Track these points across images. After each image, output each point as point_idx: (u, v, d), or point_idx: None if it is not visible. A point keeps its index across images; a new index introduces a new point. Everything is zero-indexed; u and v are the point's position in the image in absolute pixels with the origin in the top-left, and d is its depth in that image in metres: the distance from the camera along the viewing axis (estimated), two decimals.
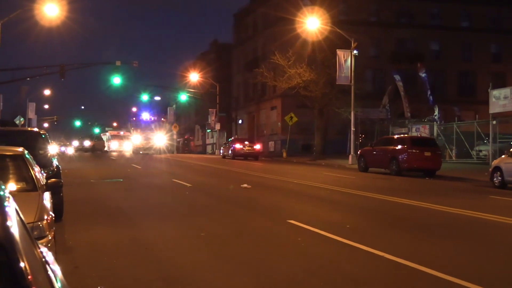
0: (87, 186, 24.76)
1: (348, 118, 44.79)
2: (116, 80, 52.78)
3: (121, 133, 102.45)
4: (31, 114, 71.17)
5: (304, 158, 52.46)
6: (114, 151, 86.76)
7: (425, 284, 8.41)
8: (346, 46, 43.76)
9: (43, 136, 17.16)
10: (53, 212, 8.64)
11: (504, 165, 25.29)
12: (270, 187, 24.51)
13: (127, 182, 26.88)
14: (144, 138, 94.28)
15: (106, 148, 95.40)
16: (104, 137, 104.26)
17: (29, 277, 2.08)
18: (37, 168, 9.71)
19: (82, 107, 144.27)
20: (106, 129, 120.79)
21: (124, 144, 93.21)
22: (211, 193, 21.93)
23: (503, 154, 27.40)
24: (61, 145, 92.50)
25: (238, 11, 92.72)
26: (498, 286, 7.97)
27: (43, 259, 2.99)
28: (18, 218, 2.67)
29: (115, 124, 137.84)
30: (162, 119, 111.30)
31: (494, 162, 26.96)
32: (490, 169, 26.58)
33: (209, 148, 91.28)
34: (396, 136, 37.98)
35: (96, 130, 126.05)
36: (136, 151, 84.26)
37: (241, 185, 23.65)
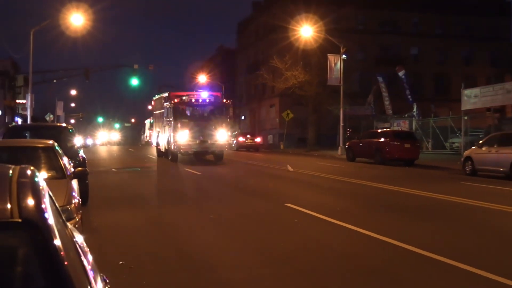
0: (110, 174, 24.82)
1: (338, 114, 44.74)
2: (134, 81, 52.62)
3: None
4: (59, 111, 71.05)
5: (299, 149, 52.57)
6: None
7: (407, 259, 8.44)
8: (336, 51, 43.71)
9: (70, 130, 17.26)
10: (80, 197, 8.65)
11: (475, 155, 25.30)
12: (268, 174, 24.56)
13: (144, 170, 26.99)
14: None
15: (147, 139, 71.95)
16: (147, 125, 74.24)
17: (62, 253, 2.09)
18: (65, 159, 9.71)
19: (103, 106, 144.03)
20: (126, 124, 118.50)
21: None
22: (218, 180, 22.00)
23: (474, 146, 27.40)
24: (87, 138, 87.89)
25: (242, 20, 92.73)
26: (469, 259, 7.97)
27: (73, 238, 3.00)
28: (51, 202, 2.67)
29: (133, 120, 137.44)
30: None
31: (466, 153, 26.95)
32: (462, 159, 26.59)
33: None
34: (380, 130, 37.93)
35: (116, 125, 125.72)
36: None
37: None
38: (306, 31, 44.75)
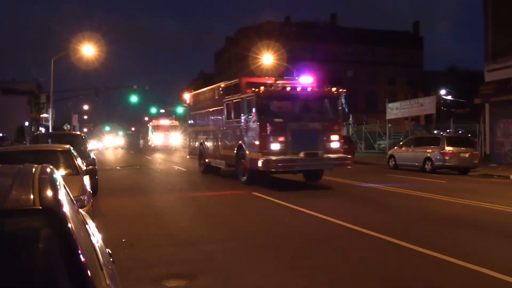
0: (115, 171, 24.50)
1: None
2: (134, 98, 52.02)
3: (167, 122, 58.08)
4: (75, 122, 69.80)
5: None
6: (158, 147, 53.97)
7: (346, 233, 8.53)
8: (291, 74, 43.92)
9: (83, 137, 17.23)
10: (91, 189, 8.58)
11: (396, 153, 25.65)
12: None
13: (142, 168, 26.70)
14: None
15: (150, 143, 58.30)
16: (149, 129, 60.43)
17: (74, 233, 2.09)
18: (79, 159, 9.58)
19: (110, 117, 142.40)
20: (127, 132, 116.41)
21: (171, 138, 55.48)
22: (201, 175, 21.80)
23: (396, 146, 27.77)
24: (99, 142, 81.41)
25: (218, 50, 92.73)
26: (390, 232, 8.07)
27: (84, 222, 2.99)
28: (66, 193, 2.66)
29: (133, 128, 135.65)
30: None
31: (390, 152, 27.30)
32: (387, 157, 26.93)
33: None
34: None
35: (120, 133, 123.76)
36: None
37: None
38: (267, 59, 44.88)
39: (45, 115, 56.91)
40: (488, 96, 30.59)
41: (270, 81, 17.60)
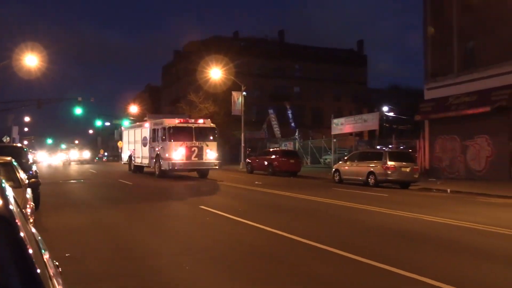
0: (58, 184, 23.77)
1: (239, 137, 45.08)
2: (78, 111, 50.70)
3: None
4: (15, 134, 67.35)
5: None
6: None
7: (293, 245, 8.66)
8: (238, 89, 44.15)
9: (25, 149, 16.62)
10: (33, 203, 8.34)
11: (341, 168, 26.24)
12: (184, 185, 24.38)
13: (88, 181, 26.05)
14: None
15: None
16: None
17: (27, 242, 2.10)
18: (21, 172, 9.32)
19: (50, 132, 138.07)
20: (71, 145, 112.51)
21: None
22: (145, 187, 21.59)
23: (340, 161, 28.41)
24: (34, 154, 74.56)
25: (165, 64, 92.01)
26: (334, 243, 8.29)
27: (33, 233, 2.98)
28: (15, 203, 2.66)
29: (76, 141, 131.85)
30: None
31: (335, 166, 27.87)
32: (332, 171, 27.47)
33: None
34: (271, 149, 38.62)
35: (63, 146, 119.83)
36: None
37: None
38: (216, 73, 45.02)
39: None
40: (427, 113, 31.93)
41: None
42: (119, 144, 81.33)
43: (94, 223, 11.35)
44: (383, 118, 55.18)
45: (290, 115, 64.90)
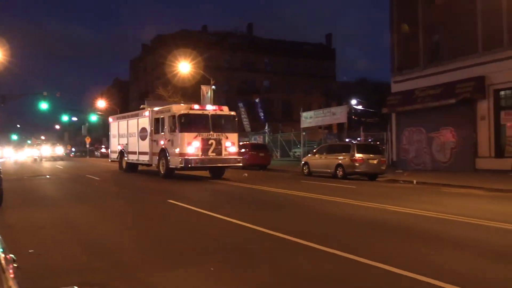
0: (22, 180, 23.24)
1: None
2: (43, 105, 49.72)
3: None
4: None
5: None
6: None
7: (260, 237, 8.68)
8: (207, 83, 43.95)
9: None
10: None
11: (310, 160, 26.48)
12: (154, 179, 24.18)
13: (53, 177, 25.52)
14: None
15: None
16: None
17: None
18: None
19: (18, 125, 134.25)
20: (41, 140, 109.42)
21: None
22: (113, 182, 21.33)
23: (309, 154, 28.65)
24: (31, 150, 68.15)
25: (133, 58, 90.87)
26: (303, 235, 8.34)
27: None
28: None
29: (43, 137, 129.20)
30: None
31: (304, 159, 28.11)
32: (301, 164, 27.70)
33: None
34: (241, 143, 38.63)
35: (28, 142, 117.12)
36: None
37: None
38: (184, 67, 44.68)
39: None
40: (394, 106, 32.45)
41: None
42: (87, 139, 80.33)
43: (59, 218, 11.14)
44: (351, 111, 55.80)
45: (259, 109, 65.09)
